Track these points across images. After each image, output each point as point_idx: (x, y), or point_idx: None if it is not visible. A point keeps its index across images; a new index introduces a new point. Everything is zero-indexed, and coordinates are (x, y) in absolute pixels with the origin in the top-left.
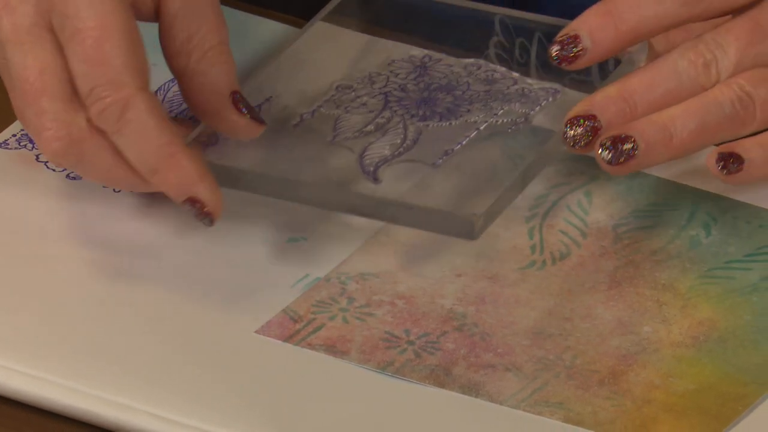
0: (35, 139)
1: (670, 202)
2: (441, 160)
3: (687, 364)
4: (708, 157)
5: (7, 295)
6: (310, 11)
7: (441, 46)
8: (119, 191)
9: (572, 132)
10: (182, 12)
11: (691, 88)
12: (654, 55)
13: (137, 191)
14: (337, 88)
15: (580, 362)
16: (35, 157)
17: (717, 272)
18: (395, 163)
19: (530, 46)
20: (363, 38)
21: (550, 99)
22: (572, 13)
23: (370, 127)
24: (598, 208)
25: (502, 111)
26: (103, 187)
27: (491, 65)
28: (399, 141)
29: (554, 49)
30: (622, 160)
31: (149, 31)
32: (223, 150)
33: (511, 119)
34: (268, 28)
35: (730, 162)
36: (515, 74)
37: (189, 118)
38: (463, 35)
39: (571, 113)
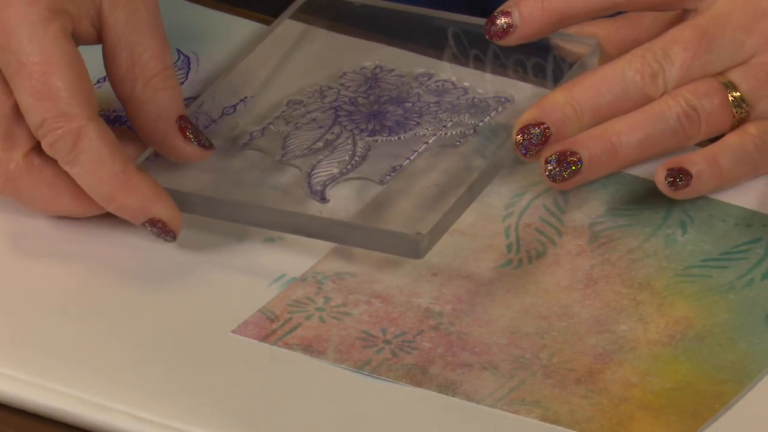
0: None
1: (646, 200)
2: (389, 177)
3: (664, 362)
4: (656, 172)
5: None
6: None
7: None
8: None
9: (523, 140)
10: (125, 39)
11: (637, 97)
12: (606, 58)
13: (79, 217)
14: (287, 103)
15: (557, 361)
16: None
17: (693, 270)
18: (343, 180)
19: (485, 56)
20: (332, 37)
21: (500, 109)
22: None
23: (319, 144)
24: (574, 207)
25: (451, 123)
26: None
27: (442, 75)
28: (347, 158)
29: (486, 26)
30: (566, 174)
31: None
32: (172, 172)
33: (460, 131)
34: (241, 26)
35: (678, 177)
36: (466, 83)
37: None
38: (420, 36)
39: (521, 121)
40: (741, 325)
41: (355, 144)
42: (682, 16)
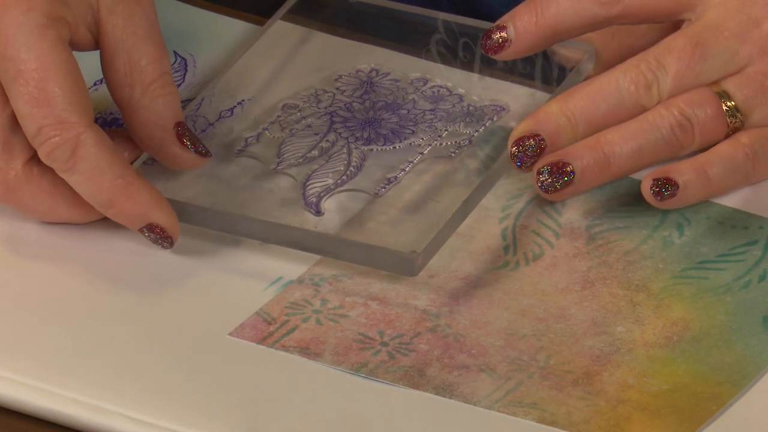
0: None
1: (643, 202)
2: (384, 189)
3: (661, 364)
4: (643, 181)
5: None
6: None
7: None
8: None
9: (518, 151)
10: (122, 45)
11: (631, 107)
12: (602, 64)
13: (79, 223)
14: (283, 107)
15: (554, 362)
16: None
17: (690, 272)
18: (338, 192)
19: (474, 47)
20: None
21: (495, 118)
22: None
23: (314, 152)
24: (571, 209)
25: (446, 132)
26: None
27: (437, 80)
28: (342, 168)
29: (482, 40)
30: (558, 185)
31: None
32: (168, 177)
33: (455, 142)
34: (237, 27)
35: (664, 188)
36: (461, 90)
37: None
38: (407, 34)
39: (516, 132)
40: (738, 327)
41: (350, 153)
42: (678, 22)
